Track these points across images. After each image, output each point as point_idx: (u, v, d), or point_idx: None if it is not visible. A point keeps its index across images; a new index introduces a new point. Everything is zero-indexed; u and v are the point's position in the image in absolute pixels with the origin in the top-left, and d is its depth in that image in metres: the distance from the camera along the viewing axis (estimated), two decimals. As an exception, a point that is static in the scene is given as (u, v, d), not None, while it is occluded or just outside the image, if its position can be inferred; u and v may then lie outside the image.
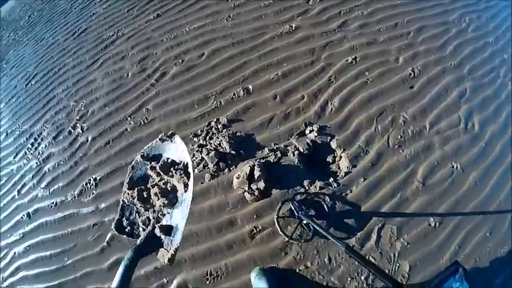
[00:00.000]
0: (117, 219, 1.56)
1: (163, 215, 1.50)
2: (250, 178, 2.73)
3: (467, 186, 2.77)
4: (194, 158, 3.01)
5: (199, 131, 3.19)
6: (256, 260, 2.56)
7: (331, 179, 2.76)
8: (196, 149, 3.04)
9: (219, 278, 2.59)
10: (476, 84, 3.31)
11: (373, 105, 3.11)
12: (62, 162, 3.71)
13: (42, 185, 3.69)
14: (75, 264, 3.10)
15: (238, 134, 3.07)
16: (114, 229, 1.55)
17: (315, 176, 2.80)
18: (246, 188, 2.72)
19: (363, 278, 2.42)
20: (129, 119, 3.60)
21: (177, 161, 1.59)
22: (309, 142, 2.91)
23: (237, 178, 2.77)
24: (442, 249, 2.52)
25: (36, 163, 3.89)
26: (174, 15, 4.41)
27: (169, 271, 2.73)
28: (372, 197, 2.69)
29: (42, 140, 4.08)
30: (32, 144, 4.13)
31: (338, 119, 3.06)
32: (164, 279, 2.70)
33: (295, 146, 2.90)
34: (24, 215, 3.63)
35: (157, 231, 1.43)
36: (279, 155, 2.88)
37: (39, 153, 3.97)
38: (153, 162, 1.62)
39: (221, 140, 2.98)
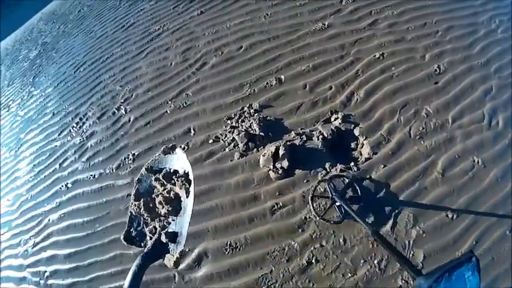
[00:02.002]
0: (126, 230, 1.66)
1: (169, 222, 1.59)
2: (275, 157, 3.01)
3: (488, 182, 2.80)
4: (226, 138, 3.35)
5: (232, 115, 3.52)
6: (274, 235, 2.78)
7: (352, 164, 2.95)
8: (229, 130, 3.38)
9: (237, 249, 2.82)
10: (503, 83, 3.36)
11: (397, 97, 3.27)
12: (104, 139, 4.14)
13: (83, 159, 4.13)
14: (105, 231, 3.46)
15: (268, 118, 3.37)
16: (122, 239, 1.65)
17: (336, 160, 3.01)
18: (271, 166, 3.00)
19: (375, 261, 2.53)
20: (169, 102, 3.99)
21: (179, 170, 1.70)
22: (333, 128, 3.15)
23: (263, 156, 3.06)
24: (458, 242, 2.56)
25: (80, 140, 4.36)
26: (216, 12, 4.80)
27: (191, 240, 2.96)
28: (391, 184, 2.82)
29: (87, 119, 4.56)
30: (77, 123, 4.62)
31: (362, 109, 3.26)
32: (186, 248, 2.92)
33: (320, 131, 3.14)
34: (62, 186, 4.07)
35: (163, 238, 1.51)
36: (305, 139, 3.14)
37: (83, 131, 4.44)
38: (157, 174, 1.72)
39: (252, 123, 3.30)
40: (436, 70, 3.43)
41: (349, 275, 2.53)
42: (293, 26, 4.14)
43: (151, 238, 1.57)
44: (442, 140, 3.01)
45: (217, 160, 3.29)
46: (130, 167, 3.70)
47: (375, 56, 3.60)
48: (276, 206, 2.90)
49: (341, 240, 2.65)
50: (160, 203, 1.62)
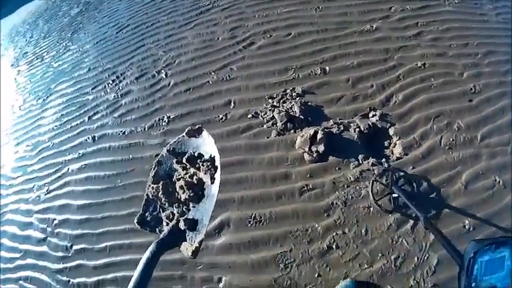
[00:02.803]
0: (140, 213, 1.53)
1: (189, 209, 1.47)
2: (312, 140, 3.02)
3: (506, 203, 2.78)
4: (265, 115, 3.37)
5: (274, 95, 3.54)
6: (299, 215, 2.79)
7: (383, 160, 2.99)
8: (269, 108, 3.40)
9: (261, 223, 2.83)
10: (531, 113, 3.38)
11: (433, 107, 3.29)
12: (139, 99, 4.14)
13: (115, 115, 4.12)
14: (127, 187, 3.45)
15: (309, 103, 3.39)
16: (136, 223, 1.52)
17: (369, 154, 3.03)
18: (307, 149, 3.02)
19: (392, 257, 2.54)
20: (213, 73, 4.00)
21: (204, 154, 1.56)
22: (370, 124, 3.17)
23: (301, 137, 3.08)
24: None
25: (114, 96, 4.35)
26: (268, -3, 4.80)
27: (215, 208, 2.95)
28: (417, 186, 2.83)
29: (124, 78, 4.54)
30: (113, 81, 4.60)
31: (399, 111, 3.28)
32: None
33: (357, 124, 3.17)
34: (89, 138, 4.06)
35: (181, 225, 1.40)
36: (342, 129, 3.16)
37: (118, 89, 4.43)
38: (179, 157, 1.58)
39: (293, 105, 3.32)
40: (471, 89, 3.45)
41: (366, 266, 2.54)
42: (342, 23, 4.17)
43: (167, 224, 1.45)
44: (469, 154, 3.02)
45: (253, 135, 3.31)
46: (163, 129, 3.70)
47: (416, 64, 3.63)
48: (305, 188, 2.91)
49: (363, 231, 2.67)
50: (181, 187, 1.47)
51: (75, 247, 3.35)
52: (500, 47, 3.90)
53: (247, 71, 3.88)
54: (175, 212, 1.48)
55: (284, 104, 3.40)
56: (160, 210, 1.52)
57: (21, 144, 4.86)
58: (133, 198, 3.34)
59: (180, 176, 1.54)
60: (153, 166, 1.57)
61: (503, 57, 3.79)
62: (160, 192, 1.50)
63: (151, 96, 4.08)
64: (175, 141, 1.64)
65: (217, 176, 1.47)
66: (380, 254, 2.56)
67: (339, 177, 2.91)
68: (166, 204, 1.51)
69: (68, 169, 3.94)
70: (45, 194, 3.91)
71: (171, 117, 3.75)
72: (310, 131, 3.05)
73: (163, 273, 2.88)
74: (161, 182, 1.52)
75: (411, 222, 2.67)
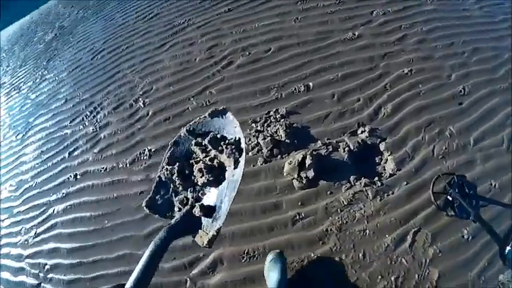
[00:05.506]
0: (150, 196, 1.41)
1: (204, 194, 1.35)
2: (301, 166, 2.83)
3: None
4: (250, 142, 3.15)
5: (258, 118, 3.32)
6: (294, 245, 2.62)
7: (376, 178, 2.81)
8: (253, 134, 3.18)
9: (255, 258, 2.65)
10: (524, 108, 3.21)
11: (423, 115, 3.12)
12: (119, 132, 3.89)
13: (95, 150, 3.87)
14: (114, 228, 3.23)
15: (294, 125, 3.17)
16: (145, 207, 1.41)
17: (361, 174, 2.85)
18: (296, 175, 2.82)
19: (392, 278, 2.41)
20: (192, 99, 3.76)
21: (228, 137, 1.41)
22: (359, 141, 2.97)
23: (289, 164, 2.87)
24: (471, 264, 2.45)
25: (93, 129, 4.10)
26: (244, 11, 4.55)
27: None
28: (412, 201, 2.69)
29: (101, 109, 4.29)
30: (91, 112, 4.34)
31: (389, 124, 3.10)
32: (200, 253, 2.79)
33: (346, 143, 2.97)
34: (71, 176, 3.80)
35: (196, 211, 1.27)
36: (331, 149, 2.96)
37: (96, 121, 4.18)
38: (199, 138, 1.44)
39: (278, 128, 3.11)
40: (461, 91, 3.28)
41: (366, 290, 2.40)
42: (323, 33, 3.94)
43: (180, 210, 1.34)
44: (462, 161, 2.87)
45: (239, 164, 3.09)
46: (145, 163, 3.48)
47: (403, 71, 3.43)
48: (297, 217, 2.74)
49: (360, 255, 2.52)
50: (200, 170, 1.33)
51: (69, 293, 3.14)
52: (487, 42, 3.72)
53: (227, 94, 3.65)
54: (189, 196, 1.36)
55: (268, 128, 3.19)
56: (173, 194, 1.41)
57: (5, 183, 4.58)
58: (123, 239, 3.14)
59: (198, 159, 1.41)
60: (169, 147, 1.45)
61: (491, 53, 3.61)
62: (175, 175, 1.38)
63: (130, 128, 3.85)
64: (195, 122, 1.49)
65: (242, 160, 1.33)
66: (380, 276, 2.43)
67: (332, 202, 2.74)
68: (181, 188, 1.39)
69: (54, 210, 3.71)
70: (33, 238, 3.68)
71: (152, 150, 3.53)
72: (298, 156, 2.85)
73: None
74: (177, 164, 1.40)
75: (409, 240, 2.54)
